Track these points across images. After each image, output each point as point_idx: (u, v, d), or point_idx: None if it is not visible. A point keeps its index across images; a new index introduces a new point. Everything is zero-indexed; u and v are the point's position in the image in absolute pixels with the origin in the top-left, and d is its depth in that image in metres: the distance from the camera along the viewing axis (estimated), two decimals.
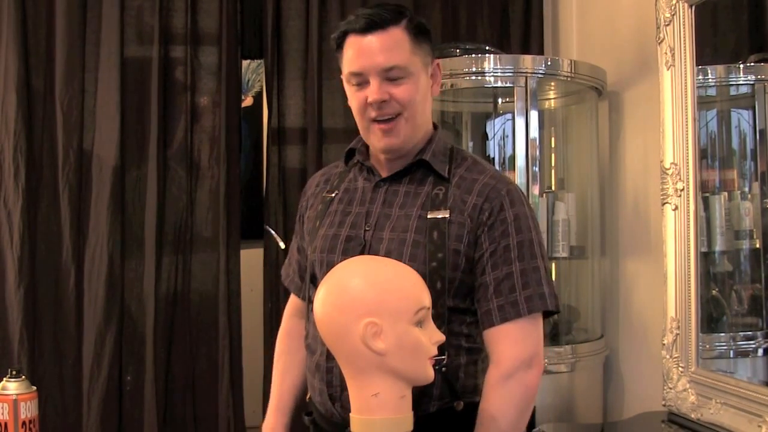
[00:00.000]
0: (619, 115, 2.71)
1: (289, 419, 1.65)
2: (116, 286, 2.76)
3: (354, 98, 1.45)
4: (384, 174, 1.50)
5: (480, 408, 1.37)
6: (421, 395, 1.36)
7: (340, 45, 1.45)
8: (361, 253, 1.42)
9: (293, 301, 1.71)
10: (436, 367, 1.34)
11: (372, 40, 1.40)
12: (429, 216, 1.41)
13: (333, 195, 1.55)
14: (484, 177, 1.46)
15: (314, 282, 1.49)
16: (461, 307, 1.42)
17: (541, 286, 1.40)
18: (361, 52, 1.40)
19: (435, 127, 1.54)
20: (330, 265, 1.33)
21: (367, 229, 1.45)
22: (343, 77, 1.48)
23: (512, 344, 1.37)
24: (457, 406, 1.42)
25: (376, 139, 1.45)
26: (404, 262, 1.35)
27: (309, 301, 1.54)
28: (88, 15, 2.77)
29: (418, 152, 1.48)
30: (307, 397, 1.55)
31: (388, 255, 1.38)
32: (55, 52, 2.73)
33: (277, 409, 1.65)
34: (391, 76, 1.40)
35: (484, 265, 1.40)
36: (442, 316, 1.38)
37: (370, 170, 1.52)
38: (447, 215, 1.41)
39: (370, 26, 1.40)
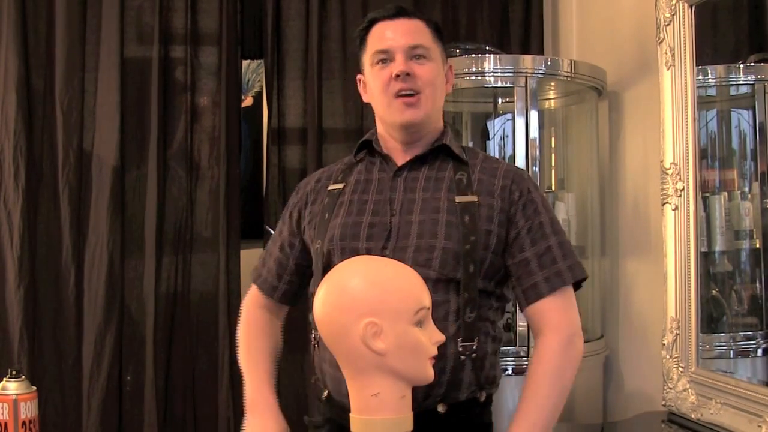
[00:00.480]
0: (619, 115, 2.70)
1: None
2: (116, 286, 2.76)
3: (377, 77, 1.49)
4: (400, 162, 1.52)
5: (535, 371, 1.40)
6: (452, 384, 1.39)
7: (363, 37, 1.53)
8: (388, 238, 1.44)
9: (257, 295, 1.67)
10: (467, 353, 1.38)
11: (399, 22, 1.51)
12: (457, 200, 1.44)
13: (341, 186, 1.55)
14: (503, 165, 1.54)
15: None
16: (488, 290, 1.45)
17: (575, 256, 1.48)
18: (389, 33, 1.49)
19: (445, 125, 1.59)
20: (354, 252, 1.36)
21: (393, 214, 1.46)
22: (366, 61, 1.53)
23: (564, 312, 1.43)
24: (480, 397, 1.44)
25: (398, 113, 1.48)
26: (439, 242, 1.39)
27: None
28: (88, 15, 2.76)
29: (435, 140, 1.53)
30: (324, 395, 1.51)
31: (420, 237, 1.41)
32: (55, 52, 2.72)
33: (268, 383, 1.58)
34: (416, 53, 1.48)
35: (522, 242, 1.45)
36: (473, 300, 1.41)
37: (384, 160, 1.54)
38: (475, 199, 1.45)
39: (399, 12, 1.52)
